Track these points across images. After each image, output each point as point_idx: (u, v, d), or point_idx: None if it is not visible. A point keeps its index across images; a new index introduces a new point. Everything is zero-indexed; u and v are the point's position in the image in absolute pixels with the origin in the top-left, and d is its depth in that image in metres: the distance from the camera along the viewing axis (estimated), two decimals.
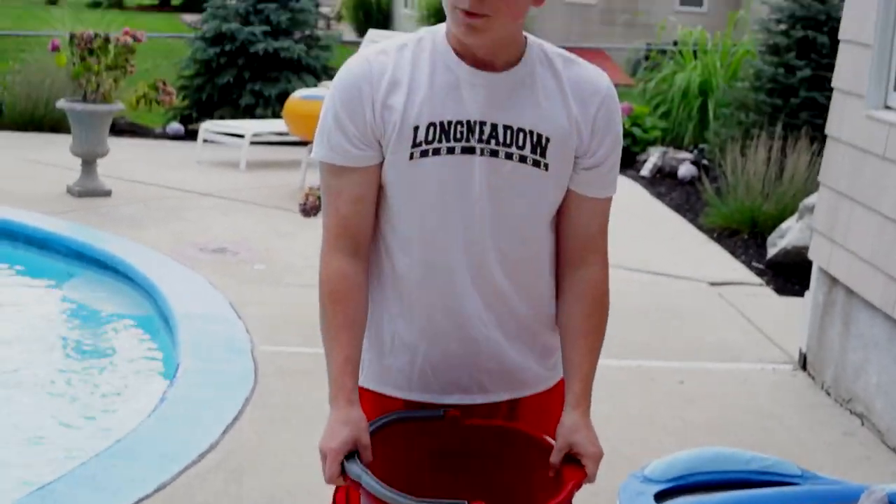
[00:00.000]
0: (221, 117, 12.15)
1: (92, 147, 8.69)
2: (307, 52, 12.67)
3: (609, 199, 2.35)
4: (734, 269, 7.75)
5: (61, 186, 8.84)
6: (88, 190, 8.69)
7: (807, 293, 5.87)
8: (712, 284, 7.29)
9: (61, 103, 8.83)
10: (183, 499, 4.01)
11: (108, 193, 8.74)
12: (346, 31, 25.65)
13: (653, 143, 11.77)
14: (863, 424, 5.10)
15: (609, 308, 2.37)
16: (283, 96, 11.74)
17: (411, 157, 2.21)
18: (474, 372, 2.34)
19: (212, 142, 10.75)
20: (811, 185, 8.55)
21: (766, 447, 4.73)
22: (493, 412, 2.37)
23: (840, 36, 5.60)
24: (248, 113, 12.27)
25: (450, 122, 2.21)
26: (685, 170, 10.79)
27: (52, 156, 10.06)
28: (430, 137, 2.21)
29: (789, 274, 7.64)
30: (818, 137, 9.22)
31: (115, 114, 9.10)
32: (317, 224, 6.88)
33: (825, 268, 5.58)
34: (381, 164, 2.24)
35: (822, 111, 9.78)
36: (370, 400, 2.34)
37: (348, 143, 2.22)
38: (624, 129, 2.38)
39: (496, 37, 2.18)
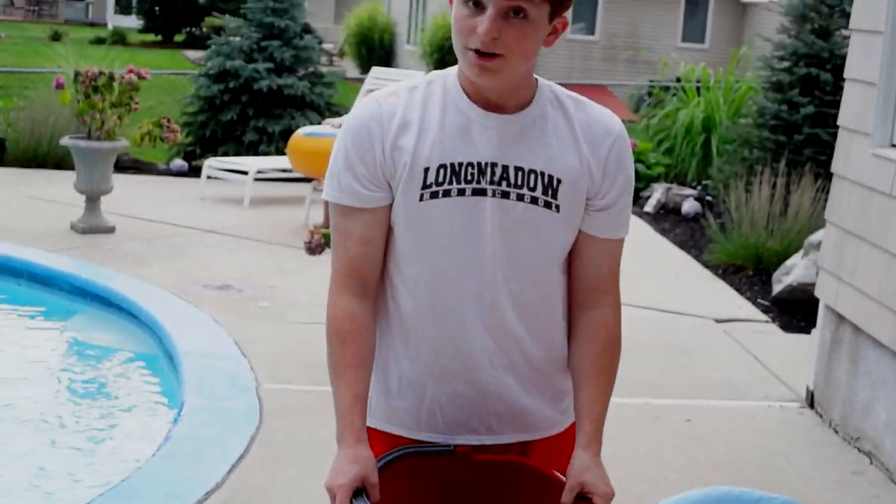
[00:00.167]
0: (225, 154, 12.18)
1: (96, 184, 8.69)
2: (311, 88, 12.71)
3: (621, 241, 2.34)
4: (739, 305, 7.74)
5: (65, 223, 8.84)
6: (92, 227, 8.68)
7: (814, 331, 5.85)
8: (718, 321, 7.28)
9: (65, 140, 8.84)
10: None
11: (111, 230, 8.74)
12: (349, 68, 25.75)
13: (656, 179, 11.79)
14: (871, 463, 5.07)
15: (621, 349, 2.35)
16: (287, 133, 11.77)
17: (421, 198, 2.21)
18: (483, 414, 2.32)
19: (215, 178, 10.77)
20: (816, 222, 8.55)
21: (774, 486, 4.72)
22: (504, 453, 2.35)
23: (845, 74, 5.61)
24: (252, 149, 12.30)
25: (460, 164, 2.20)
26: (689, 206, 10.80)
27: (56, 192, 10.07)
28: (440, 179, 2.20)
29: (795, 311, 7.62)
30: (822, 174, 9.24)
31: (119, 151, 9.11)
32: (321, 261, 6.91)
33: (832, 305, 5.56)
34: (391, 205, 2.24)
35: (825, 148, 9.81)
36: (378, 440, 2.32)
37: (358, 184, 2.22)
38: None
39: (509, 77, 2.18)
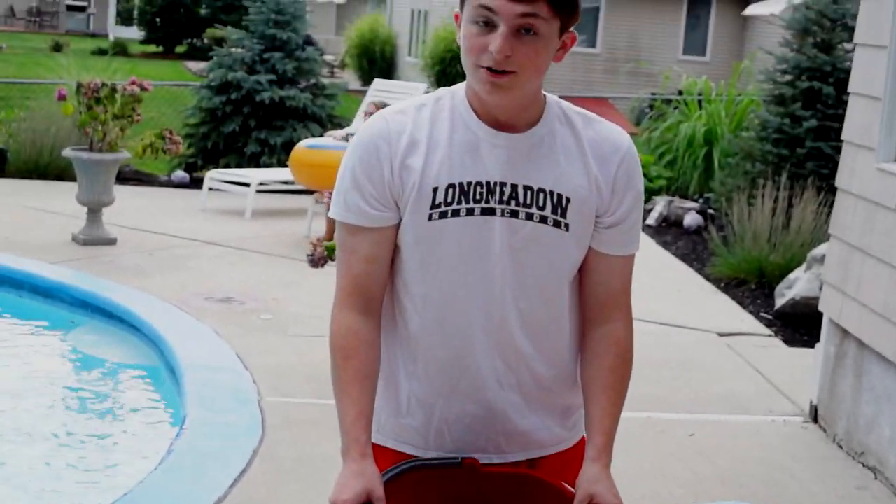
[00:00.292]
0: (227, 165, 12.18)
1: (98, 196, 8.68)
2: (313, 100, 12.72)
3: (631, 257, 2.33)
4: (742, 319, 7.72)
5: (66, 235, 8.83)
6: (94, 238, 8.67)
7: (817, 345, 5.83)
8: (721, 335, 7.26)
9: (67, 152, 8.84)
10: None
11: (113, 242, 8.73)
12: (350, 80, 25.78)
13: (658, 192, 11.79)
14: (876, 478, 5.05)
15: (632, 364, 2.34)
16: (289, 145, 11.77)
17: (430, 217, 2.20)
18: (491, 434, 2.31)
19: (217, 190, 10.76)
20: (818, 236, 8.54)
21: (778, 501, 4.71)
22: (512, 467, 2.34)
23: (850, 88, 5.60)
24: (254, 161, 12.30)
25: (469, 183, 2.20)
26: (691, 219, 10.79)
27: (57, 204, 10.06)
28: (449, 199, 2.19)
29: (798, 325, 7.61)
30: (825, 187, 9.23)
31: (121, 162, 9.11)
32: (323, 273, 6.86)
33: (836, 320, 5.55)
34: (397, 225, 2.23)
35: (828, 161, 9.81)
36: (387, 457, 2.31)
37: (365, 203, 2.21)
38: None
39: (520, 94, 2.17)
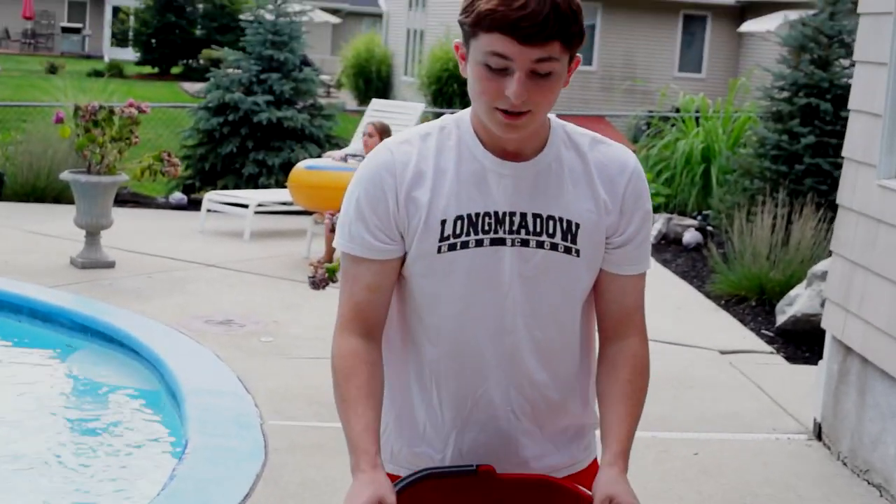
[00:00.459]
0: (225, 187, 12.17)
1: (96, 219, 8.66)
2: (310, 121, 12.73)
3: (643, 275, 2.33)
4: (744, 337, 7.71)
5: (64, 258, 8.81)
6: (92, 261, 8.65)
7: (820, 362, 5.82)
8: (723, 353, 7.24)
9: (65, 175, 8.82)
10: None
11: (111, 265, 8.71)
12: (347, 99, 25.81)
13: (656, 209, 11.79)
14: (881, 496, 5.03)
15: (649, 378, 2.33)
16: (287, 165, 11.78)
17: (439, 250, 2.19)
18: (505, 461, 2.29)
19: (215, 211, 10.74)
20: (818, 252, 8.53)
21: None
22: None
23: (850, 105, 5.60)
24: (252, 182, 12.29)
25: (477, 215, 2.19)
26: (690, 236, 10.79)
27: (55, 227, 10.04)
28: (458, 231, 2.18)
29: (799, 342, 7.59)
30: (824, 204, 9.23)
31: (120, 185, 9.09)
32: (323, 295, 6.87)
33: (839, 337, 5.53)
34: (402, 256, 2.22)
35: (826, 177, 9.81)
36: None
37: (369, 235, 2.20)
38: None
39: (533, 128, 2.17)
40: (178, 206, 12.13)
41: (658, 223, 11.09)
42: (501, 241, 2.19)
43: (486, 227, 2.19)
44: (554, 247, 2.21)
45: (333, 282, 6.04)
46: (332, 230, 6.05)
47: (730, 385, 6.60)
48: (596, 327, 2.37)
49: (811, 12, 10.81)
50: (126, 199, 11.82)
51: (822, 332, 5.83)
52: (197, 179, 12.75)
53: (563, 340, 2.28)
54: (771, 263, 8.63)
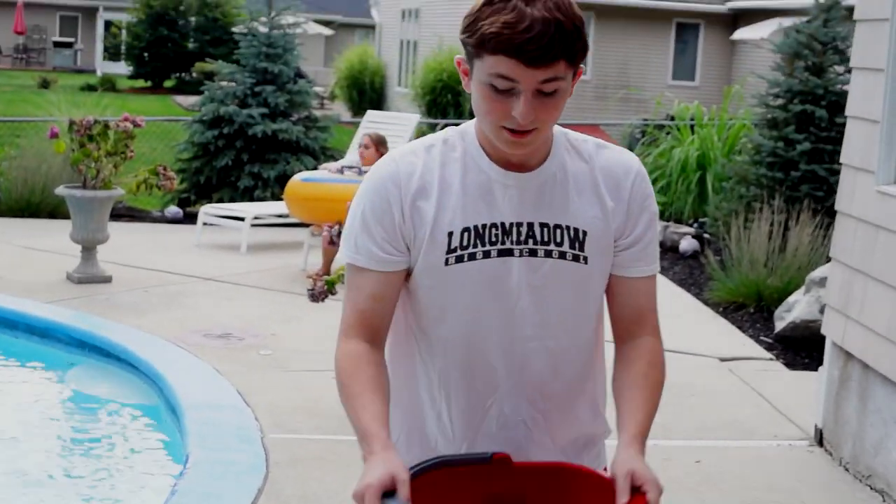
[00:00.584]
0: (220, 200, 12.16)
1: (92, 233, 8.65)
2: (305, 133, 12.72)
3: (653, 278, 2.31)
4: (743, 343, 7.70)
5: (61, 273, 8.78)
6: (89, 276, 8.63)
7: (821, 368, 5.81)
8: (722, 360, 7.24)
9: (61, 190, 8.80)
10: None
11: (108, 280, 8.69)
12: (340, 111, 25.80)
13: None
14: (884, 501, 5.02)
15: (665, 375, 2.29)
16: (282, 178, 11.77)
17: (447, 262, 2.19)
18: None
19: (211, 225, 10.72)
20: (816, 258, 8.54)
21: None
22: None
23: (847, 112, 5.60)
24: (247, 195, 12.28)
25: (484, 226, 2.18)
26: (687, 244, 10.79)
27: (50, 242, 10.02)
28: (465, 243, 2.18)
29: (798, 348, 7.59)
30: (820, 210, 9.24)
31: (115, 199, 9.07)
32: (322, 307, 6.84)
33: (839, 343, 5.53)
34: (407, 268, 2.22)
35: (822, 184, 9.82)
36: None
37: (375, 246, 2.19)
38: None
39: (540, 142, 2.17)
40: (174, 220, 12.12)
41: None
42: (509, 252, 2.19)
43: (494, 239, 2.18)
44: (562, 255, 2.21)
45: (332, 294, 6.02)
46: (331, 242, 6.04)
47: (730, 392, 6.59)
48: (603, 335, 2.36)
49: (804, 19, 10.83)
50: (121, 213, 11.80)
51: (822, 339, 5.83)
52: (192, 193, 12.74)
53: (574, 348, 2.28)
54: (768, 270, 8.63)
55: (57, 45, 44.39)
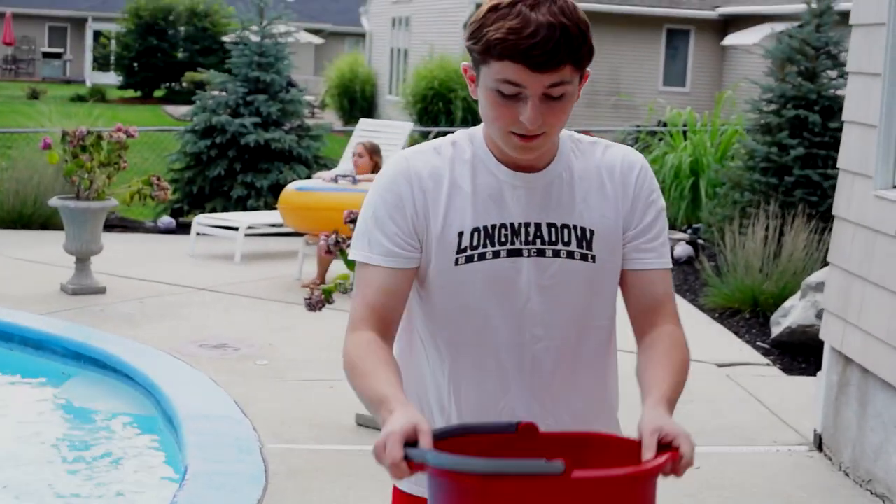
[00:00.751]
0: (213, 209, 12.13)
1: (86, 245, 8.61)
2: (298, 142, 12.70)
3: (667, 271, 2.28)
4: (740, 349, 7.70)
5: (54, 285, 8.75)
6: (83, 288, 8.59)
7: (819, 373, 5.81)
8: (720, 366, 7.23)
9: (54, 201, 8.77)
10: None
11: (102, 291, 8.65)
12: (331, 119, 25.81)
13: None
14: None
15: (689, 358, 2.24)
16: (275, 187, 11.75)
17: (457, 262, 2.19)
18: None
19: (205, 235, 10.69)
20: (811, 263, 8.54)
21: None
22: None
23: (844, 117, 5.61)
24: (240, 205, 12.26)
25: (494, 227, 2.19)
26: (681, 250, 10.79)
27: (43, 254, 9.98)
28: (475, 243, 2.19)
29: (795, 353, 7.59)
30: (815, 215, 9.24)
31: (109, 210, 9.05)
32: (318, 317, 6.80)
33: (838, 348, 5.52)
34: (417, 268, 2.21)
35: (816, 189, 9.84)
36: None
37: (388, 241, 2.19)
38: None
39: (548, 145, 2.18)
40: (167, 230, 12.08)
41: None
42: (518, 252, 2.20)
43: (503, 239, 2.19)
44: (570, 255, 2.21)
45: (330, 303, 5.99)
46: (327, 251, 6.02)
47: (728, 398, 6.59)
48: (616, 338, 2.35)
49: (795, 24, 10.85)
50: (114, 224, 11.77)
51: (819, 343, 5.83)
52: (185, 203, 12.71)
53: (585, 347, 2.28)
54: (764, 275, 8.63)
55: (46, 55, 44.34)
